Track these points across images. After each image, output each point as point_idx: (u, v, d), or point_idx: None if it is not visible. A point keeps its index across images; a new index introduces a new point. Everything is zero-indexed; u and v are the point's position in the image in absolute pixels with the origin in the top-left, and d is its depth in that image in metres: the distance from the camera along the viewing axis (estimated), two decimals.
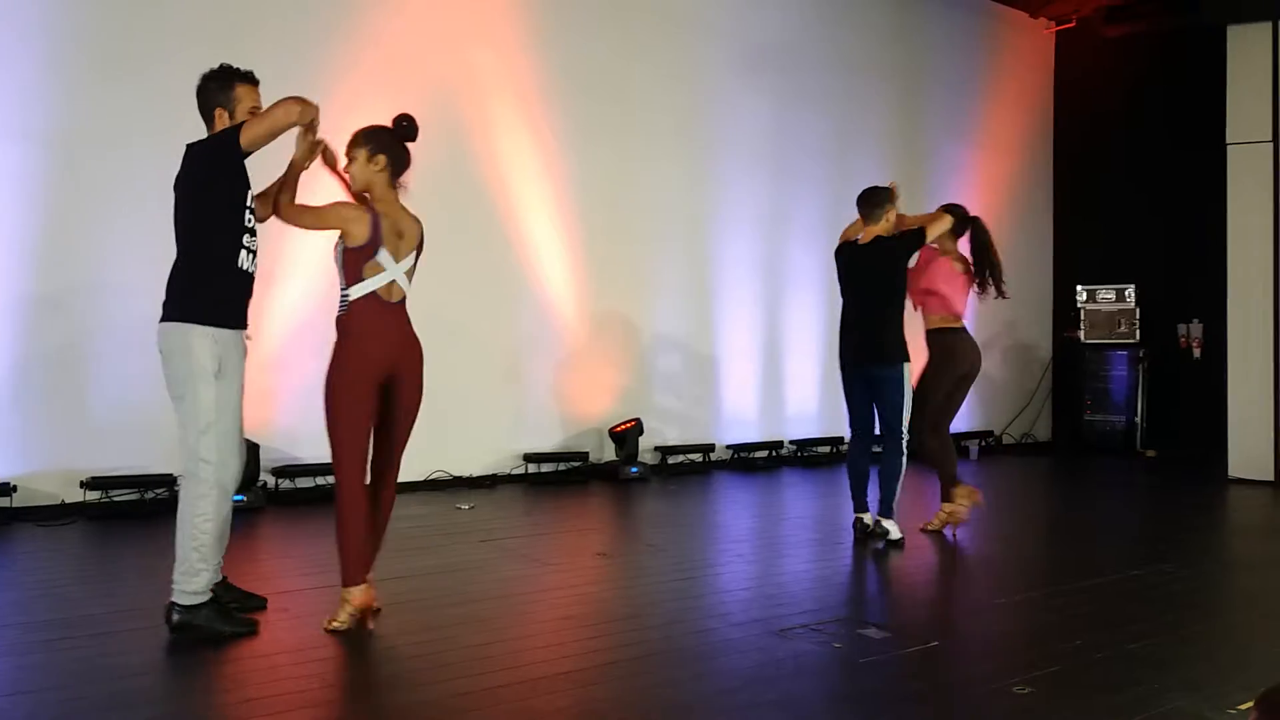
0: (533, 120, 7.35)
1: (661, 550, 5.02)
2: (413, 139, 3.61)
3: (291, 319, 6.23)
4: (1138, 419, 9.40)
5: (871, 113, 9.31)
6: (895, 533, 5.03)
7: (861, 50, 9.26)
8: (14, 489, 5.36)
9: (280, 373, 6.17)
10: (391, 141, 3.58)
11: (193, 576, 3.33)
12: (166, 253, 5.49)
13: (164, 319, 3.42)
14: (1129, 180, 9.91)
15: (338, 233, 3.53)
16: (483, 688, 2.96)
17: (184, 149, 3.51)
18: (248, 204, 3.48)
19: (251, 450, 5.86)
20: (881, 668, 3.17)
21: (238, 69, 3.60)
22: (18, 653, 3.23)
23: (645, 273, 7.95)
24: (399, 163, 3.59)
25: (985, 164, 10.05)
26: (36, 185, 5.57)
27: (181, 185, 3.49)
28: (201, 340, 3.36)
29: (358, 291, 3.50)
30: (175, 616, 3.33)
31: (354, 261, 3.50)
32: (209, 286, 3.42)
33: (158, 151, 5.93)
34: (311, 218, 3.59)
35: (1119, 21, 9.73)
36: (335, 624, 3.41)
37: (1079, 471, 8.55)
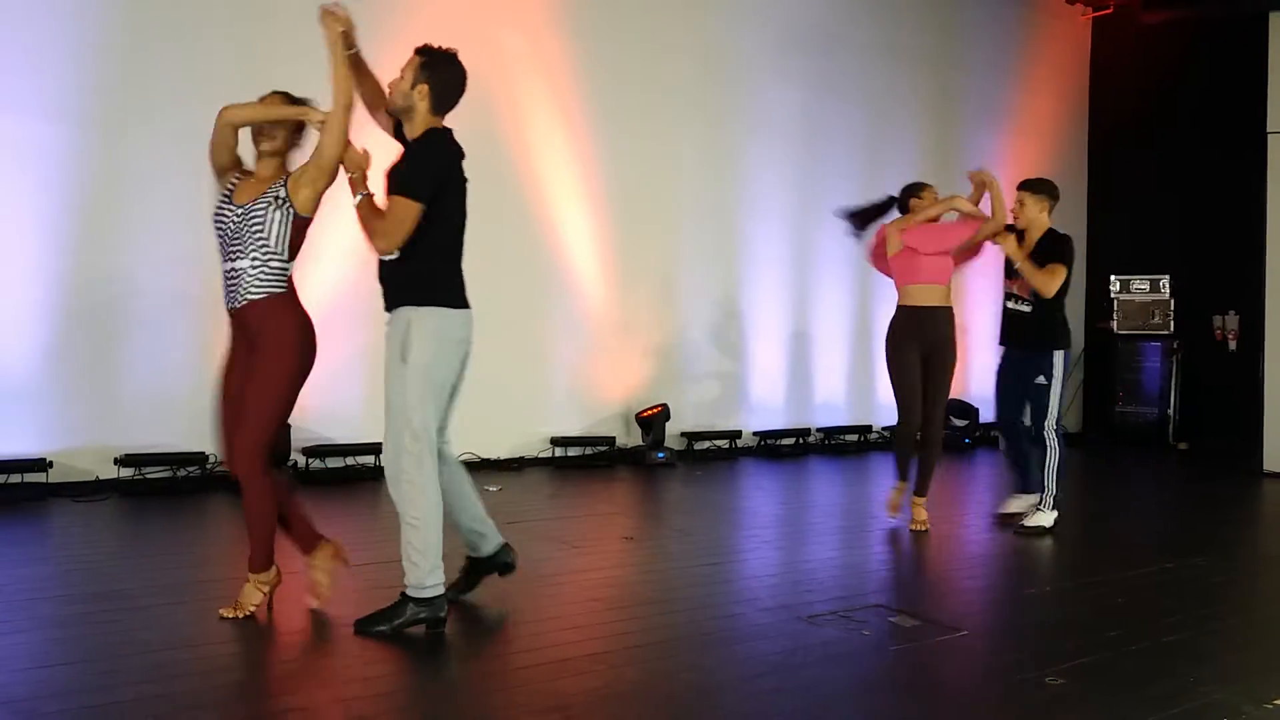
0: (562, 104, 7.33)
1: (688, 535, 5.01)
2: None
3: (323, 301, 6.25)
4: (1170, 411, 9.28)
5: (904, 99, 9.22)
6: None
7: (894, 36, 9.15)
8: (50, 465, 5.43)
9: None
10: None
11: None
12: (199, 231, 5.47)
13: None
14: (1165, 169, 9.76)
15: (278, 196, 3.29)
16: (510, 668, 2.97)
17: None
18: None
19: (282, 431, 5.90)
20: (911, 656, 3.15)
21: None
22: (55, 625, 3.28)
23: (673, 257, 7.93)
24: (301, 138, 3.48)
25: (1018, 151, 9.93)
26: (71, 165, 5.63)
27: None
28: None
29: (293, 267, 3.36)
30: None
31: (303, 231, 3.35)
32: None
33: (190, 129, 5.98)
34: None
35: (1157, 8, 9.55)
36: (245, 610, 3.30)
37: (1110, 463, 8.46)
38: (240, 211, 3.29)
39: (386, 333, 3.32)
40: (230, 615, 3.27)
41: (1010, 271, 5.14)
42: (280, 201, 3.28)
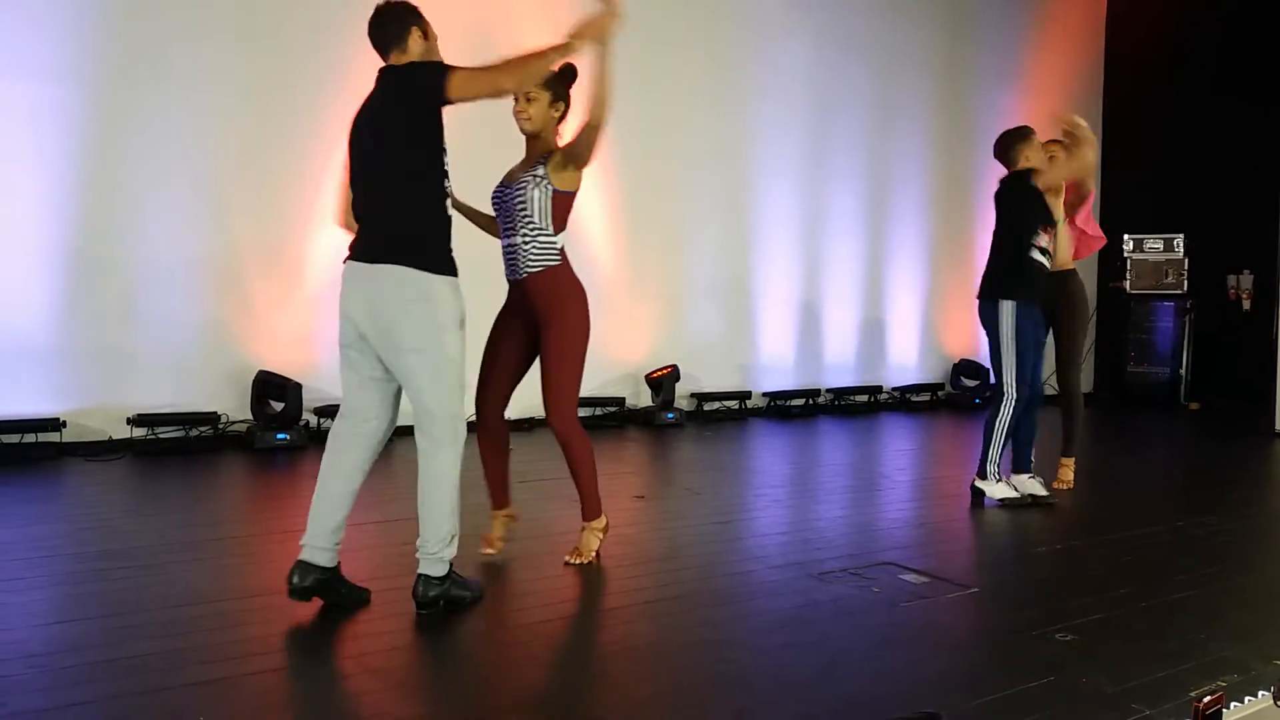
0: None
1: (698, 494, 5.02)
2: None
3: (336, 261, 6.24)
4: (1183, 371, 9.24)
5: (915, 55, 9.10)
6: (994, 492, 4.74)
7: None
8: (64, 424, 5.46)
9: (322, 314, 6.21)
10: (567, 92, 3.57)
11: (448, 544, 3.07)
12: (208, 190, 5.47)
13: (406, 264, 2.97)
14: (1180, 126, 9.64)
15: (537, 175, 3.42)
16: (524, 623, 2.99)
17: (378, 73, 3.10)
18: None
19: (293, 390, 5.93)
20: (922, 612, 3.16)
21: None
22: (70, 582, 3.31)
23: (682, 216, 7.88)
24: (568, 113, 3.58)
25: (1031, 108, 9.77)
26: (81, 125, 5.60)
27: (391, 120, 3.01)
28: (446, 290, 3.00)
29: (562, 239, 3.48)
30: (430, 591, 3.03)
31: (568, 207, 3.47)
32: (439, 235, 3.04)
33: (198, 91, 5.96)
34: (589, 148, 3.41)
35: None
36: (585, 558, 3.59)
37: (1121, 423, 8.43)
38: (508, 191, 3.47)
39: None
40: (575, 561, 3.57)
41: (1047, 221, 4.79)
42: (539, 180, 3.41)
